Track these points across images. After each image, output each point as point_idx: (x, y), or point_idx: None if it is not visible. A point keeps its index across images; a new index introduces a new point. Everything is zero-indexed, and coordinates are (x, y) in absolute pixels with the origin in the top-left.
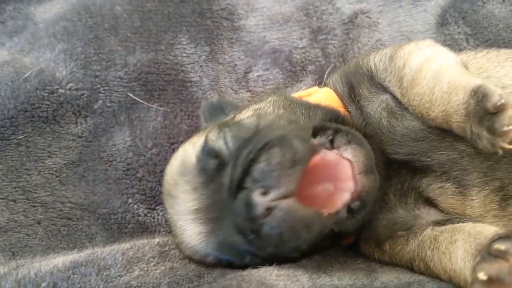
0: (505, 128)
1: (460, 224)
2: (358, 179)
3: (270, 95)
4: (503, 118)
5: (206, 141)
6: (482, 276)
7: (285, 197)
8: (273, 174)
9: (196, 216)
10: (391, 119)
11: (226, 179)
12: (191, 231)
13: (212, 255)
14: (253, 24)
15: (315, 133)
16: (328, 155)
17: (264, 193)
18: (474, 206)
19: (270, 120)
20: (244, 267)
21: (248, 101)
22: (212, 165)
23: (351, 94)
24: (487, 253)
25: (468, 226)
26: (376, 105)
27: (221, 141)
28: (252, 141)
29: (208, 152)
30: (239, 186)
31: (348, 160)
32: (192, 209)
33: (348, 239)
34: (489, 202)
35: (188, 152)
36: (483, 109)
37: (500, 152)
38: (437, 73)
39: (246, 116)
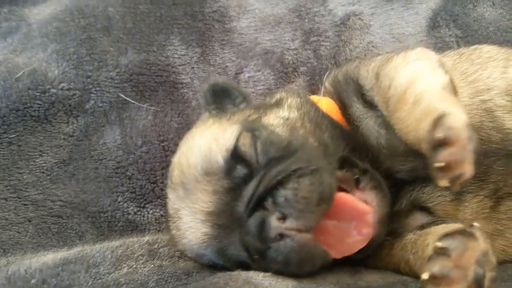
0: (436, 164)
1: (434, 227)
2: (375, 227)
3: (289, 95)
4: (439, 154)
5: (237, 146)
6: (424, 276)
7: (302, 231)
8: (297, 206)
9: (207, 218)
10: (389, 136)
11: (248, 193)
12: (198, 231)
13: (208, 257)
14: (245, 25)
15: (341, 164)
16: (354, 199)
17: (282, 219)
18: (466, 212)
19: (302, 138)
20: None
21: (265, 94)
22: (240, 173)
23: (345, 113)
24: (433, 252)
25: (439, 228)
26: (372, 122)
27: (252, 150)
28: (283, 159)
29: (237, 158)
30: (258, 204)
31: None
32: (207, 211)
33: None
34: (482, 208)
35: (213, 149)
36: (432, 140)
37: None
38: (418, 97)
39: (273, 123)
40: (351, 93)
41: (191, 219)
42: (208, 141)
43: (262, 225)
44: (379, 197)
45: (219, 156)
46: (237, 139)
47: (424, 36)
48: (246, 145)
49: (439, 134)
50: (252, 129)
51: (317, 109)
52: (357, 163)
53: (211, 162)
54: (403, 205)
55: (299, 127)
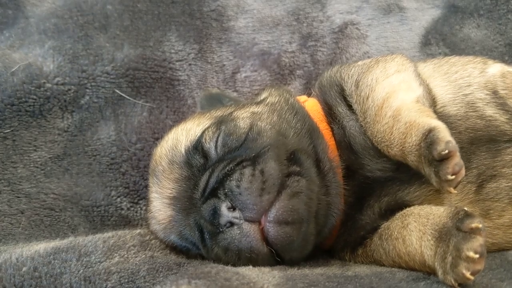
0: (449, 177)
1: (407, 209)
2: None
3: (272, 94)
4: (447, 167)
5: (201, 137)
6: (473, 255)
7: (250, 220)
8: (241, 197)
9: (170, 202)
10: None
11: (203, 182)
12: (164, 213)
13: (172, 238)
14: (243, 25)
15: (290, 158)
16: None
17: (231, 208)
18: (452, 199)
19: (259, 129)
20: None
21: (254, 94)
22: (197, 163)
23: (330, 113)
24: (459, 231)
25: (415, 208)
26: (356, 123)
27: (212, 143)
28: (238, 149)
29: (197, 149)
30: (212, 192)
31: None
32: (170, 196)
33: (325, 243)
34: (467, 193)
35: (180, 140)
36: (431, 155)
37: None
38: (397, 112)
39: (242, 116)
40: (335, 95)
41: (159, 203)
42: (180, 134)
43: (214, 212)
44: (285, 203)
45: (183, 147)
46: (203, 132)
47: (417, 52)
48: (208, 137)
49: (442, 150)
50: (220, 122)
51: (292, 107)
52: (302, 161)
53: (175, 153)
54: (384, 203)
55: (262, 120)
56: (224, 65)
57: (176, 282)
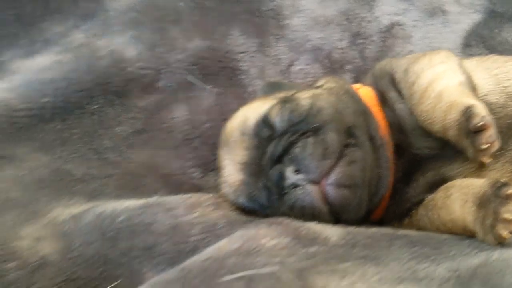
0: (482, 146)
1: (449, 182)
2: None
3: (329, 81)
4: (481, 138)
5: (268, 113)
6: (508, 216)
7: (312, 182)
8: (305, 161)
9: (242, 167)
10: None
11: (270, 149)
12: (235, 176)
13: (241, 201)
14: (297, 23)
15: (347, 132)
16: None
17: (296, 171)
18: (491, 176)
19: (319, 107)
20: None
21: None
22: (265, 134)
23: (382, 98)
24: (497, 197)
25: (457, 181)
26: (405, 107)
27: (278, 118)
28: (301, 123)
29: (265, 122)
30: (279, 159)
31: None
32: (241, 161)
33: (376, 214)
34: (505, 172)
35: (249, 116)
36: (468, 128)
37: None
38: (439, 94)
39: (304, 96)
40: (386, 83)
41: (231, 168)
42: (248, 111)
43: (281, 175)
44: (346, 169)
45: (253, 121)
46: (269, 109)
47: (459, 53)
48: (274, 113)
49: (478, 122)
50: (284, 101)
51: (347, 91)
52: (357, 135)
53: (245, 126)
54: (429, 178)
55: (321, 100)
56: (280, 58)
57: (257, 226)
